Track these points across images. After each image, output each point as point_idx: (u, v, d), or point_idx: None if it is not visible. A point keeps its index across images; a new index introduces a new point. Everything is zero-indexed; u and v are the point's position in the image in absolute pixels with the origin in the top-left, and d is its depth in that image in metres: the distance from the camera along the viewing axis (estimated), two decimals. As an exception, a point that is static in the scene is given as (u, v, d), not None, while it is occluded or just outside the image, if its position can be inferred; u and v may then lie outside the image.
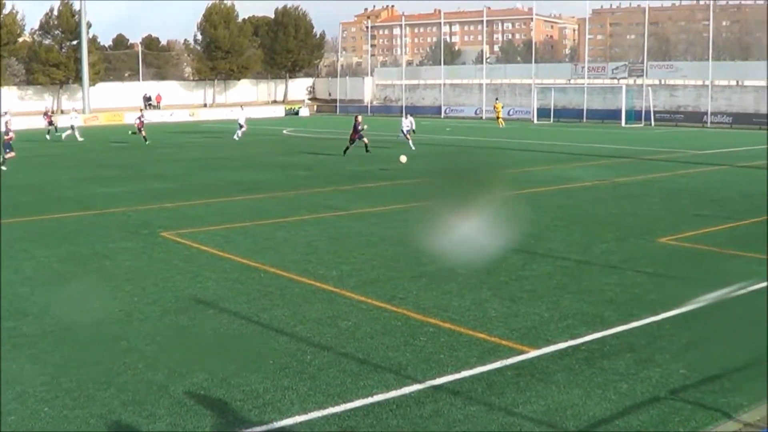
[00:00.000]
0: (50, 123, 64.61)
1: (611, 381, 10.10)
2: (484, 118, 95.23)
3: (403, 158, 35.50)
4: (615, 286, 15.00)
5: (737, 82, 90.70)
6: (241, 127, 60.16)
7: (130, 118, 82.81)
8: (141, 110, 63.86)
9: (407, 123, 50.86)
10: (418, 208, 24.07)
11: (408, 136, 49.49)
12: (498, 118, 78.88)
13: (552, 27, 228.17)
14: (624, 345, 11.58)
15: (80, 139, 59.54)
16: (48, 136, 62.21)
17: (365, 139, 44.14)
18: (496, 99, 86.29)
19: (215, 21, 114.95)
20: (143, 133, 56.30)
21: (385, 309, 13.33)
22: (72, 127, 61.22)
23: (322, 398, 9.47)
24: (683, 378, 10.27)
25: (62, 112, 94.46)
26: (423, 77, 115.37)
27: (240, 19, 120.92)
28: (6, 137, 38.85)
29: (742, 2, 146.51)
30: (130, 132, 57.80)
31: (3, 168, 37.24)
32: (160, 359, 10.86)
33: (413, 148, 46.23)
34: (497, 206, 23.03)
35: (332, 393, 9.63)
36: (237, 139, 58.96)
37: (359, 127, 44.03)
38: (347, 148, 43.88)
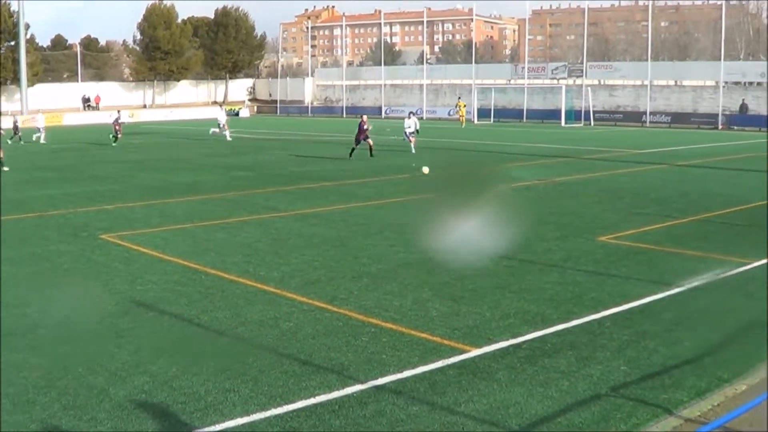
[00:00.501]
0: (15, 130, 61.64)
1: (553, 379, 10.16)
2: (424, 118, 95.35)
3: (426, 169, 32.32)
4: (556, 285, 15.10)
5: (675, 82, 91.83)
6: (220, 125, 59.76)
7: (70, 120, 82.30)
8: (118, 112, 62.68)
9: (411, 123, 47.56)
10: (360, 208, 24.12)
11: (411, 138, 46.55)
12: (461, 117, 79.12)
13: (492, 27, 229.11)
14: (565, 343, 11.66)
15: (43, 141, 58.86)
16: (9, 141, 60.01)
17: (370, 141, 42.45)
18: (459, 98, 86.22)
19: (155, 21, 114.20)
20: (119, 135, 56.01)
21: (327, 309, 13.32)
22: (39, 129, 60.20)
23: (265, 400, 9.44)
24: (624, 375, 10.36)
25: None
26: (364, 78, 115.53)
27: (180, 20, 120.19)
28: None
29: (681, 3, 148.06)
30: (110, 135, 56.58)
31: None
32: (101, 363, 10.76)
33: (413, 151, 44.66)
34: (436, 205, 23.17)
35: (274, 394, 9.60)
36: (228, 138, 58.59)
37: (364, 127, 42.23)
38: (353, 150, 42.26)
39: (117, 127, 56.55)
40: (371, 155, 41.76)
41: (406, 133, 47.18)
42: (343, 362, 10.71)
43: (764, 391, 8.11)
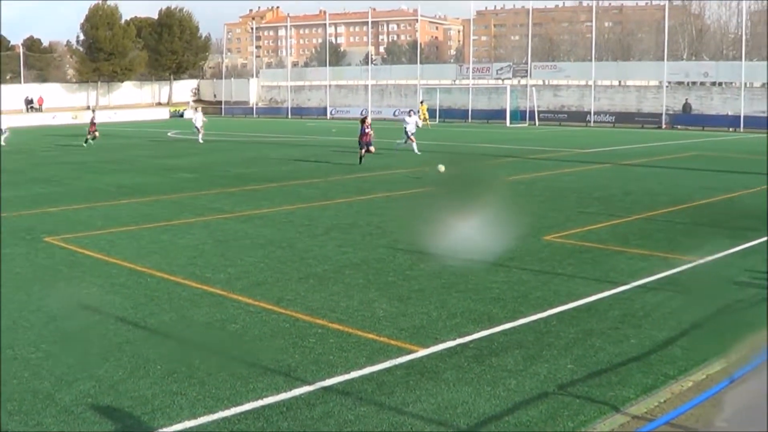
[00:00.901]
0: None
1: (500, 378, 10.19)
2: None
3: (441, 167, 31.52)
4: (502, 284, 15.15)
5: (619, 82, 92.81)
6: (197, 127, 59.04)
7: (12, 122, 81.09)
8: (93, 112, 61.76)
9: (412, 122, 44.97)
10: (307, 209, 24.10)
11: (413, 138, 44.28)
12: (425, 119, 79.17)
13: (437, 28, 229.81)
14: (512, 342, 11.70)
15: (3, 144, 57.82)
16: None
17: (372, 148, 38.89)
18: (422, 102, 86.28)
19: (98, 22, 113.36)
20: (96, 135, 55.22)
21: (274, 311, 13.27)
22: (3, 131, 59.22)
23: (212, 403, 9.39)
24: (571, 373, 10.42)
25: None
26: (309, 78, 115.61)
27: (123, 20, 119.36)
28: None
29: (624, 4, 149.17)
30: (89, 138, 55.75)
31: None
32: (46, 367, 10.65)
33: (417, 152, 43.32)
34: (384, 206, 23.22)
35: (222, 397, 9.55)
36: (201, 142, 57.52)
37: (367, 130, 38.91)
38: (361, 157, 38.93)
39: (92, 128, 55.45)
40: (360, 161, 38.85)
41: (407, 133, 44.74)
42: (291, 364, 10.67)
43: (711, 388, 8.19)
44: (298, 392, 9.68)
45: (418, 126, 45.17)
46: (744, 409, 9.60)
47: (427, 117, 79.32)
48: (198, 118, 59.97)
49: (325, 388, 9.82)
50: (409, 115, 45.85)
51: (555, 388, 9.91)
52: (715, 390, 7.69)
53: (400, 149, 45.52)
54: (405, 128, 44.94)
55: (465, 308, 13.46)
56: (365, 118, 40.76)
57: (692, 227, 21.55)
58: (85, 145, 53.92)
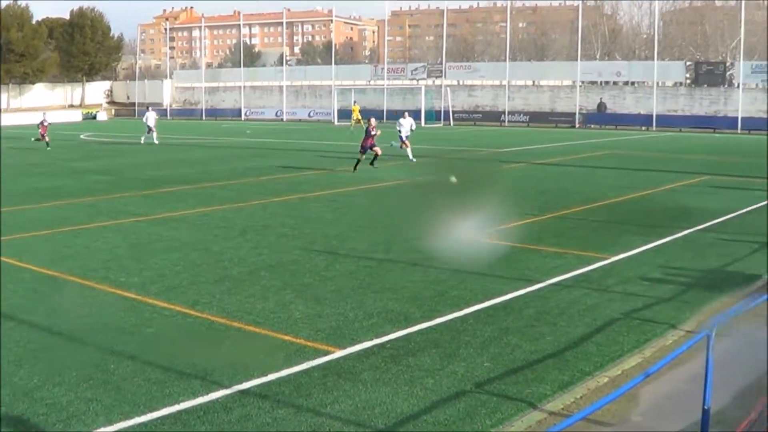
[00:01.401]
0: None
1: (417, 377, 10.22)
2: (285, 120, 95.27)
3: (453, 179, 29.45)
4: (418, 284, 15.19)
5: (533, 82, 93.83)
6: (150, 128, 57.27)
7: None
8: (44, 114, 60.44)
9: (407, 124, 41.35)
10: (222, 211, 23.98)
11: (407, 142, 40.48)
12: (358, 120, 78.89)
13: (352, 29, 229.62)
14: (429, 341, 11.74)
15: None
16: None
17: (378, 149, 36.85)
18: (354, 102, 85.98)
19: (8, 23, 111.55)
20: (47, 138, 53.76)
21: (189, 314, 13.16)
22: None
23: (128, 408, 9.28)
24: (488, 371, 10.49)
25: None
26: (223, 79, 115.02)
27: (34, 21, 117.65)
28: None
29: (538, 4, 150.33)
30: (33, 138, 54.64)
31: None
32: (-43, 374, 10.47)
33: (413, 159, 39.71)
34: (298, 208, 23.15)
35: (138, 402, 9.45)
36: (148, 142, 55.98)
37: (372, 132, 36.35)
38: (358, 161, 36.65)
39: (43, 131, 54.16)
40: (373, 164, 36.79)
41: (401, 137, 40.88)
42: (207, 367, 10.59)
43: (625, 383, 8.28)
44: (215, 396, 9.61)
45: (412, 129, 41.82)
46: (659, 404, 9.73)
47: (360, 118, 79.21)
48: (150, 117, 58.28)
49: (242, 392, 9.76)
50: (404, 117, 42.02)
51: (472, 386, 9.96)
52: (630, 385, 7.77)
53: (393, 152, 41.31)
54: (399, 132, 41.23)
55: (382, 308, 13.48)
56: (370, 119, 38.22)
57: (605, 225, 21.81)
58: (48, 148, 52.78)
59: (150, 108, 66.32)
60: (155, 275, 16.13)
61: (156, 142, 56.16)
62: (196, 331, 12.30)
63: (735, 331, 12.09)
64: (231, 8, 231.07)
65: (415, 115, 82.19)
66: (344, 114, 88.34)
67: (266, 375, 10.26)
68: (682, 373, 10.38)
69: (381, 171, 35.52)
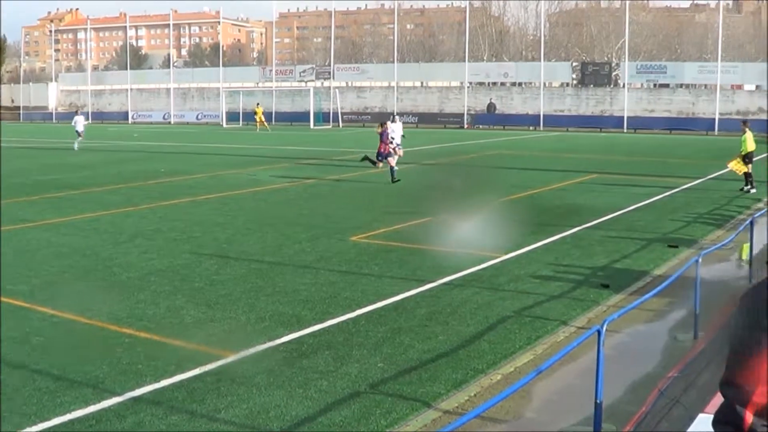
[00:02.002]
0: None
1: (312, 379, 10.20)
2: (172, 123, 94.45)
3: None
4: (310, 286, 15.17)
5: (422, 83, 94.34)
6: (79, 132, 54.66)
7: None
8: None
9: (398, 129, 36.79)
10: (110, 216, 23.67)
11: (398, 150, 35.35)
12: (261, 122, 78.29)
13: (239, 30, 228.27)
14: (322, 343, 11.73)
15: None
16: None
17: (391, 160, 32.45)
18: (258, 104, 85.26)
19: None
20: None
21: (79, 321, 12.94)
22: None
23: (18, 419, 9.08)
24: (382, 371, 10.51)
25: None
26: (109, 82, 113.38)
27: None
28: None
29: (426, 6, 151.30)
30: None
31: None
32: None
33: (395, 168, 32.49)
34: (188, 211, 22.97)
35: (28, 413, 9.25)
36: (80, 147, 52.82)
37: (390, 138, 32.95)
38: (374, 162, 34.06)
39: None
40: (393, 179, 31.67)
41: (393, 143, 34.36)
42: (99, 375, 10.43)
43: (518, 380, 8.37)
44: (107, 404, 9.47)
45: (403, 136, 37.63)
46: (552, 399, 9.86)
47: (263, 119, 78.80)
48: (79, 122, 55.87)
49: (135, 399, 9.64)
50: (393, 121, 37.48)
51: (366, 387, 9.98)
52: (523, 382, 7.85)
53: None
54: (391, 140, 34.51)
55: (273, 311, 13.43)
56: (384, 123, 34.57)
57: (495, 224, 21.99)
58: None
59: (78, 112, 63.55)
60: (43, 282, 15.83)
61: (75, 148, 53.41)
62: (86, 338, 12.10)
63: (625, 326, 12.33)
64: (117, 10, 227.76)
65: (305, 117, 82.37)
66: (232, 116, 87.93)
67: (159, 381, 10.15)
68: (574, 369, 10.55)
69: (268, 172, 35.40)
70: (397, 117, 39.16)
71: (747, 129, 29.16)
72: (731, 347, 2.81)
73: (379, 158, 33.63)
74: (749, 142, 28.41)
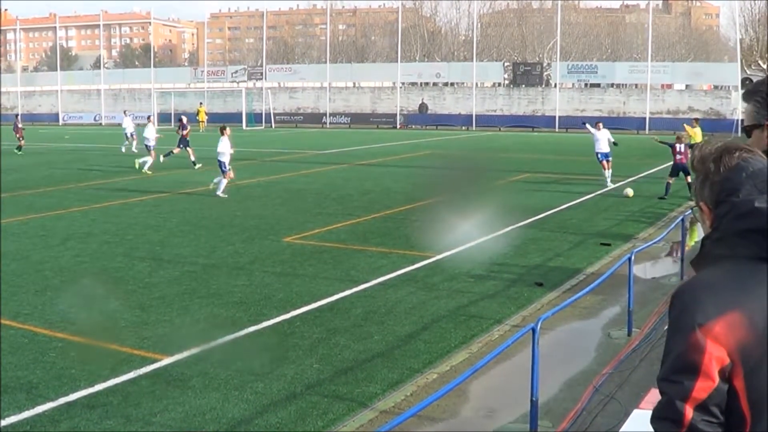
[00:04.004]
0: None
1: (247, 381, 10.17)
2: (104, 124, 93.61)
3: (630, 191, 27.24)
4: (244, 288, 15.12)
5: (354, 83, 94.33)
6: (129, 135, 51.40)
7: None
8: (17, 116, 55.97)
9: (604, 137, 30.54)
10: (40, 219, 23.42)
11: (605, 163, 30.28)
12: (201, 122, 77.68)
13: (171, 31, 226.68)
14: (257, 345, 11.73)
15: None
16: None
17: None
18: (201, 103, 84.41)
19: None
20: (23, 142, 50.97)
21: (11, 326, 12.77)
22: None
23: (-53, 426, 8.99)
24: (317, 372, 10.51)
25: None
26: (39, 83, 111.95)
27: None
28: None
29: (358, 6, 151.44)
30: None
31: None
32: None
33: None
34: (120, 214, 22.75)
35: (-42, 419, 9.16)
36: (134, 150, 49.44)
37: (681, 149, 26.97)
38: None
39: (19, 135, 50.89)
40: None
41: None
42: (32, 380, 10.32)
43: (454, 379, 8.41)
44: (41, 409, 9.38)
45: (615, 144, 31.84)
46: (488, 397, 9.92)
47: (204, 120, 78.30)
48: (128, 123, 52.46)
49: (69, 403, 9.55)
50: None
51: (303, 388, 9.97)
52: (459, 380, 7.89)
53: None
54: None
55: (208, 314, 13.38)
56: (680, 136, 28.70)
57: (427, 225, 22.08)
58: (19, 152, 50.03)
59: (126, 113, 59.42)
60: (-27, 287, 15.62)
61: (134, 150, 49.84)
62: (18, 343, 11.93)
63: (559, 324, 12.43)
64: (46, 10, 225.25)
65: (237, 117, 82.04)
66: (164, 118, 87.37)
67: (93, 385, 10.06)
68: (510, 367, 10.62)
69: (199, 174, 35.25)
70: (600, 123, 31.94)
71: (697, 125, 30.18)
72: (666, 344, 2.87)
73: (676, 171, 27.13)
74: (698, 137, 29.12)
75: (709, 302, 2.78)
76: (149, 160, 37.49)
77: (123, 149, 50.21)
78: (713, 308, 2.76)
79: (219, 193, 28.05)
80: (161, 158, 38.45)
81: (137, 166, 37.65)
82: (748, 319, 2.74)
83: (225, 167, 28.45)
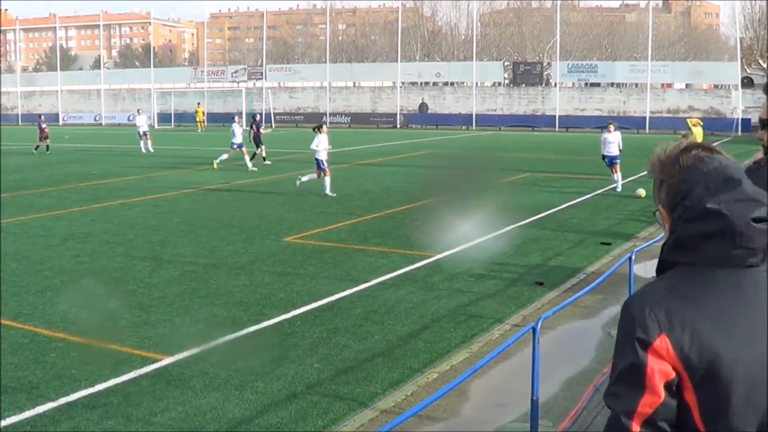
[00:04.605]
0: None
1: (247, 381, 10.16)
2: (104, 124, 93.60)
3: (642, 191, 27.00)
4: (244, 287, 15.11)
5: (354, 83, 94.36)
6: (142, 134, 52.00)
7: None
8: (41, 116, 55.01)
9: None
10: (41, 219, 23.40)
11: None
12: (199, 122, 77.80)
13: (170, 31, 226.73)
14: (257, 345, 11.71)
15: None
16: None
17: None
18: (198, 103, 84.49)
19: None
20: (48, 141, 50.86)
21: (12, 327, 12.76)
22: None
23: (-51, 426, 8.99)
24: (318, 372, 10.50)
25: None
26: (39, 84, 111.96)
27: None
28: None
29: (358, 6, 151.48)
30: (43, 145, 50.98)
31: None
32: None
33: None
34: (120, 214, 22.73)
35: (-40, 420, 9.16)
36: (151, 150, 50.51)
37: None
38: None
39: (43, 134, 50.76)
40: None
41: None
42: (32, 380, 10.31)
43: (454, 378, 8.40)
44: (41, 409, 9.36)
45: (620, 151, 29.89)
46: (488, 397, 9.91)
47: (202, 120, 78.40)
48: (142, 121, 53.56)
49: (69, 404, 9.54)
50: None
51: (303, 388, 9.96)
52: (459, 380, 7.88)
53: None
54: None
55: (208, 313, 13.37)
56: (686, 135, 28.99)
57: (428, 224, 22.07)
58: (48, 151, 50.22)
59: (139, 111, 59.38)
60: (-28, 287, 15.61)
61: (151, 150, 50.72)
62: (19, 343, 11.92)
63: (559, 323, 12.42)
64: (46, 10, 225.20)
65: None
66: (164, 118, 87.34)
67: (93, 386, 10.05)
68: (510, 366, 10.61)
69: (199, 173, 35.24)
70: (612, 125, 30.17)
71: (699, 126, 30.24)
72: (613, 358, 2.83)
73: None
74: (699, 137, 29.14)
75: (651, 316, 2.72)
76: (245, 157, 38.20)
77: (143, 150, 50.34)
78: (653, 323, 2.70)
79: (303, 179, 28.68)
80: (250, 166, 37.98)
81: (215, 165, 37.52)
82: (689, 333, 2.68)
83: (323, 165, 28.34)
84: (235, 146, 39.24)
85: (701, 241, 2.79)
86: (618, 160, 28.60)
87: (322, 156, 28.28)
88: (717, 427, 2.70)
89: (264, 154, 39.30)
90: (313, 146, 28.32)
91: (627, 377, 2.72)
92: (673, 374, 2.68)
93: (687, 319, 2.69)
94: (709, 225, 2.77)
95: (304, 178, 28.26)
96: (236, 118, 41.65)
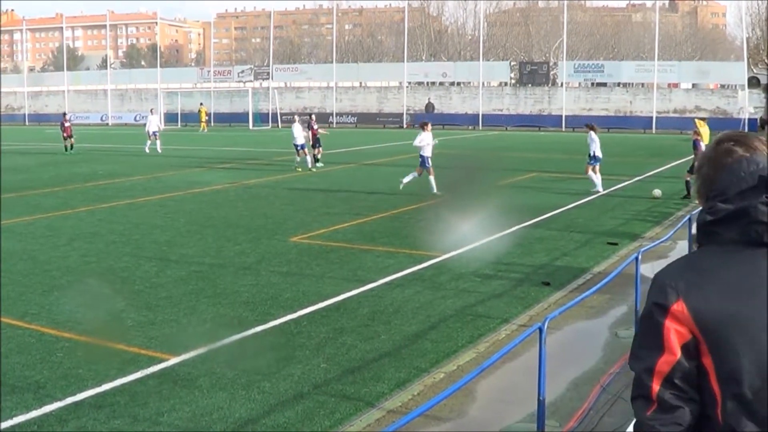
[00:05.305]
0: None
1: (254, 381, 10.16)
2: (110, 124, 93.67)
3: (658, 192, 27.11)
4: (251, 287, 15.11)
5: (361, 83, 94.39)
6: (152, 135, 51.01)
7: None
8: (65, 114, 55.48)
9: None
10: (47, 219, 23.43)
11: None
12: (201, 122, 77.89)
13: (177, 31, 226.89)
14: (264, 344, 11.72)
15: None
16: None
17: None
18: (201, 104, 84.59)
19: None
20: (72, 140, 50.71)
21: (18, 326, 12.77)
22: None
23: (-44, 425, 9.00)
24: (324, 372, 10.50)
25: None
26: (46, 84, 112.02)
27: None
28: None
29: (364, 6, 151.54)
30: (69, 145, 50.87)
31: None
32: None
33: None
34: (127, 214, 22.76)
35: (-33, 419, 9.16)
36: (159, 151, 49.83)
37: None
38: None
39: (67, 134, 50.55)
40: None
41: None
42: (39, 380, 10.32)
43: (461, 378, 8.39)
44: (48, 409, 9.37)
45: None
46: (495, 397, 9.90)
47: (204, 119, 78.48)
48: (153, 122, 52.25)
49: (76, 403, 9.54)
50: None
51: (310, 388, 9.96)
52: (466, 380, 7.87)
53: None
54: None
55: (215, 313, 13.38)
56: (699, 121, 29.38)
57: (434, 224, 22.06)
58: (72, 151, 50.25)
59: (153, 110, 58.43)
60: (-20, 287, 15.62)
61: (159, 150, 50.19)
62: (26, 343, 11.93)
63: (566, 323, 12.41)
64: (53, 10, 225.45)
65: (243, 117, 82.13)
66: (170, 117, 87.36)
67: (100, 385, 10.06)
68: (517, 366, 10.60)
69: (207, 173, 35.26)
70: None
71: (705, 125, 30.21)
72: (638, 327, 3.00)
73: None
74: (706, 136, 29.06)
75: (671, 284, 2.90)
76: (306, 158, 37.59)
77: (147, 150, 50.17)
78: (672, 290, 2.89)
79: (405, 180, 28.52)
80: (312, 167, 37.86)
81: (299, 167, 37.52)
82: (705, 299, 2.85)
83: (427, 163, 28.34)
84: (297, 148, 37.84)
85: (728, 221, 2.95)
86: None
87: (427, 152, 28.21)
88: (731, 390, 2.81)
89: (319, 156, 39.05)
90: (415, 143, 28.37)
91: (647, 339, 2.93)
92: (690, 336, 2.86)
93: (704, 288, 2.86)
94: (733, 221, 2.94)
95: (406, 179, 28.08)
96: (296, 117, 40.97)
